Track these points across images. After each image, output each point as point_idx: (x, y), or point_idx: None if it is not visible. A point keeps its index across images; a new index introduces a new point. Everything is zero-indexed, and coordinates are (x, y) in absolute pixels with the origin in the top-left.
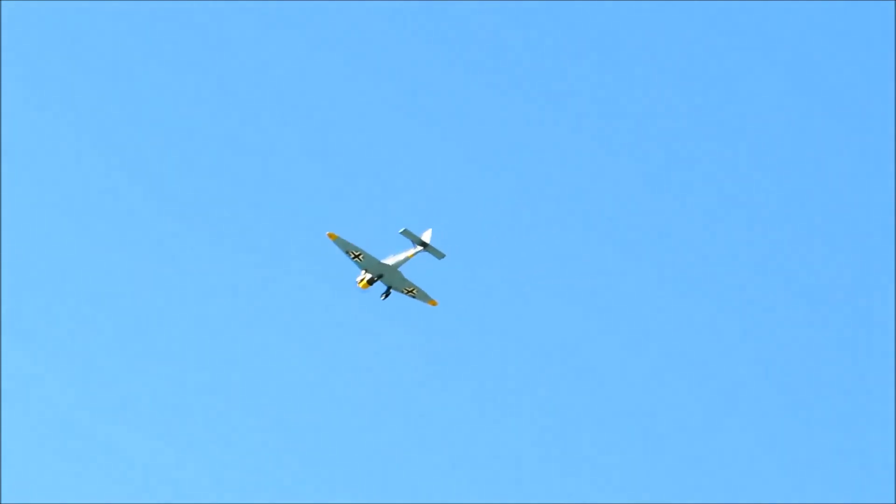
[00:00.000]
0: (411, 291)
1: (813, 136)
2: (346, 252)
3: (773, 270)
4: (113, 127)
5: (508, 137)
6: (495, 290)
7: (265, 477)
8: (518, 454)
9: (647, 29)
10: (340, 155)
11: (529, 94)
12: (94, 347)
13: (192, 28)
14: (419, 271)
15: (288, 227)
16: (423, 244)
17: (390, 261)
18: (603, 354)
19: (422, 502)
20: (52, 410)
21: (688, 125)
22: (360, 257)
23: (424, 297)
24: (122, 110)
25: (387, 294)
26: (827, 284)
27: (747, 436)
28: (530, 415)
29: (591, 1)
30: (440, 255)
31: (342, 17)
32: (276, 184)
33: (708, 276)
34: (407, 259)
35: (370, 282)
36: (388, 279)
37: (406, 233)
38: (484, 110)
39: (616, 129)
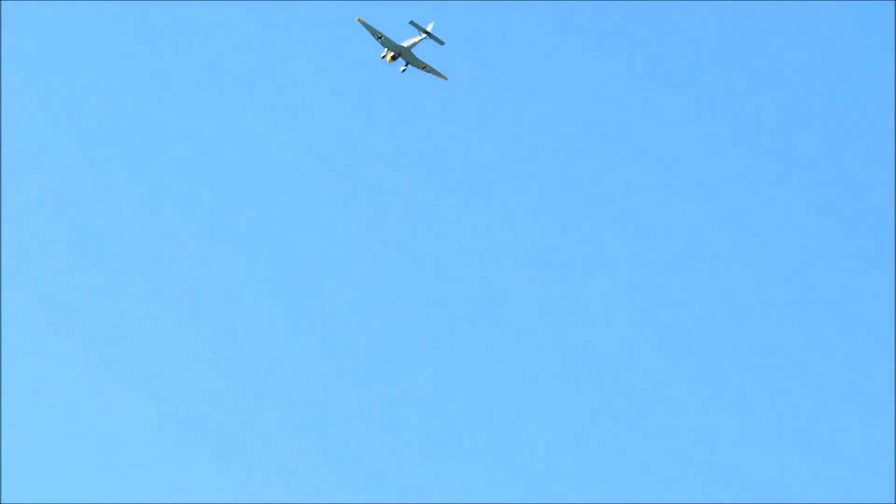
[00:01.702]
0: (425, 67)
1: (813, 136)
2: (372, 34)
3: (772, 271)
4: (112, 126)
5: None
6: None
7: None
8: None
9: (646, 29)
10: None
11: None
12: (92, 346)
13: (192, 28)
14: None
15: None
16: (427, 32)
17: (405, 43)
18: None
19: None
20: (51, 409)
21: (687, 125)
22: (382, 39)
23: (437, 73)
24: (120, 110)
25: (405, 68)
26: (828, 284)
27: (747, 436)
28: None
29: (591, 1)
30: (441, 42)
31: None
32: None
33: (713, 276)
34: (415, 43)
35: (393, 58)
36: (405, 57)
37: (413, 23)
38: None
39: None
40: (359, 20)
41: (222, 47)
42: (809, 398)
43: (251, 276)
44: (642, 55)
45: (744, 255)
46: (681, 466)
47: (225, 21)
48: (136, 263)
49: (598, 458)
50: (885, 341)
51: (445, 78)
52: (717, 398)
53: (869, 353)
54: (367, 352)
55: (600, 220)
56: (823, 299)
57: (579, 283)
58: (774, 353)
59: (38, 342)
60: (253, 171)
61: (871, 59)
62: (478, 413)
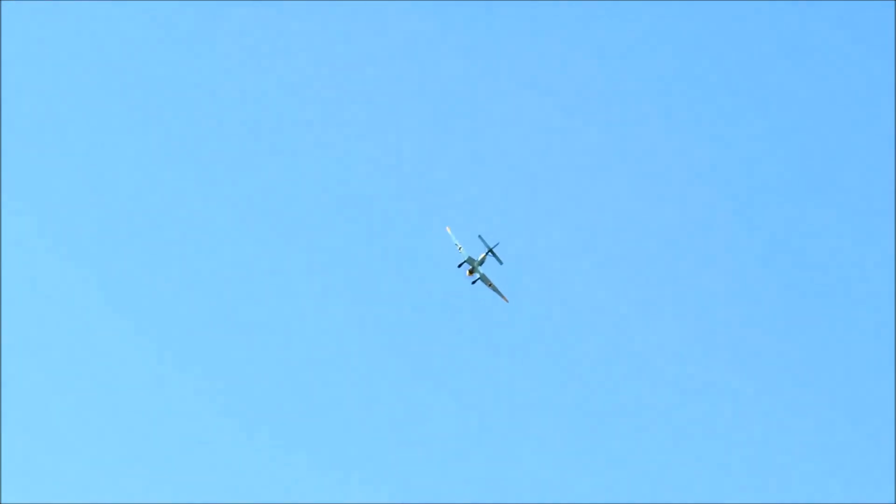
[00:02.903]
0: (491, 285)
1: (813, 136)
2: (455, 242)
3: (771, 271)
4: (112, 127)
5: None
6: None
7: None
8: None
9: (646, 29)
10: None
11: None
12: (93, 347)
13: (192, 28)
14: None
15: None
16: (490, 250)
17: (476, 256)
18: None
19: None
20: (51, 410)
21: (686, 126)
22: (461, 248)
23: (500, 294)
24: (121, 110)
25: (474, 281)
26: (827, 285)
27: (747, 436)
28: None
29: (591, 1)
30: (500, 261)
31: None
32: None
33: (706, 278)
34: (483, 258)
35: (470, 272)
36: (477, 271)
37: (480, 238)
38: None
39: (615, 129)
40: (447, 229)
41: (223, 47)
42: (809, 398)
43: (252, 269)
44: (642, 57)
45: (742, 255)
46: (681, 467)
47: (226, 21)
48: (136, 262)
49: (597, 458)
50: (885, 341)
51: (506, 300)
52: (716, 399)
53: (869, 353)
54: (371, 352)
55: (598, 220)
56: (823, 299)
57: (576, 284)
58: (774, 354)
59: (37, 343)
60: (248, 167)
61: (872, 59)
62: (476, 413)
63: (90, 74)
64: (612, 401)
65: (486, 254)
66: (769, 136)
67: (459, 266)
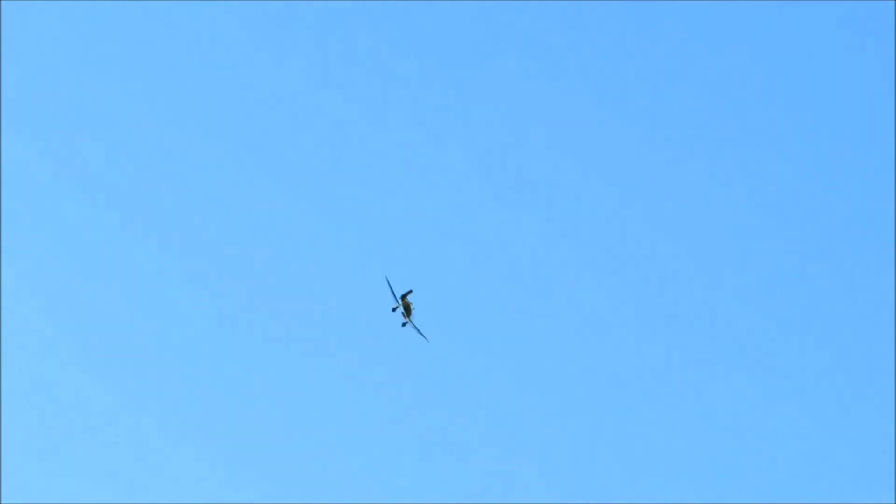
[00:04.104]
0: (414, 326)
1: (812, 138)
2: (394, 294)
3: (771, 273)
4: (113, 127)
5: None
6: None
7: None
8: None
9: (645, 29)
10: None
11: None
12: (94, 347)
13: (193, 29)
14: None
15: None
16: (403, 297)
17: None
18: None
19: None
20: (52, 410)
21: (685, 127)
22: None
23: (422, 334)
24: (121, 111)
25: (404, 324)
26: (828, 284)
27: (746, 436)
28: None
29: (591, 1)
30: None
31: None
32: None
33: (703, 279)
34: (406, 304)
35: (403, 314)
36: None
37: (387, 281)
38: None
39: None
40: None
41: (225, 48)
42: (809, 397)
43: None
44: (638, 57)
45: (739, 256)
46: (679, 466)
47: (227, 21)
48: (136, 261)
49: (595, 458)
50: (885, 341)
51: (428, 340)
52: (715, 398)
53: (869, 353)
54: (364, 349)
55: (597, 222)
56: (823, 299)
57: (574, 286)
58: (773, 352)
59: (38, 342)
60: (247, 172)
61: (872, 59)
62: (473, 413)
63: (90, 75)
64: (610, 399)
65: (406, 298)
66: (765, 137)
67: (393, 310)
